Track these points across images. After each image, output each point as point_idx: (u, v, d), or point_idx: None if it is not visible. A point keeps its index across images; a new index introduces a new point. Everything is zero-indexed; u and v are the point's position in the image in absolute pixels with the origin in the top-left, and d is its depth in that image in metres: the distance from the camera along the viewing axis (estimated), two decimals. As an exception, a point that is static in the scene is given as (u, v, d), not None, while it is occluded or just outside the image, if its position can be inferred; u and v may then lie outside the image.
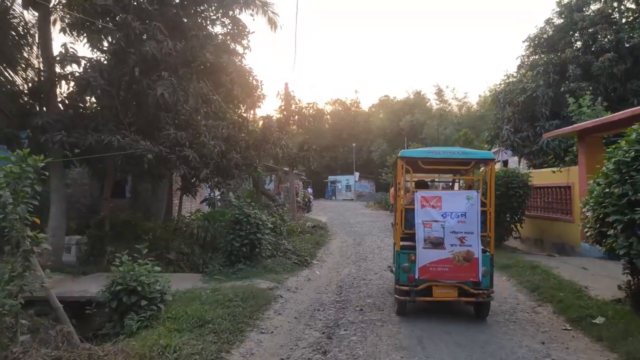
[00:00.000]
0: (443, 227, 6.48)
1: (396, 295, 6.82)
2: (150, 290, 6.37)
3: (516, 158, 20.04)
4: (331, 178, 61.67)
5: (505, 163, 23.16)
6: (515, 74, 19.02)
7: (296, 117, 13.26)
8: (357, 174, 57.30)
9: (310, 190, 58.21)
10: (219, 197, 12.47)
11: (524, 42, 18.87)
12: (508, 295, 7.84)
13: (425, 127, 58.03)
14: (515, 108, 17.45)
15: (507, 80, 18.78)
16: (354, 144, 61.51)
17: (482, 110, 60.50)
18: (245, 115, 12.30)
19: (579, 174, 11.35)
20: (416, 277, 6.48)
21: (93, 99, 10.54)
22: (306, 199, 36.35)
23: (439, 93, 67.30)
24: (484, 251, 6.62)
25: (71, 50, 9.47)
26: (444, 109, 65.80)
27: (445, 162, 7.34)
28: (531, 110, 17.07)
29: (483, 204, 6.72)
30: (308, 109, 13.16)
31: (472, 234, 6.47)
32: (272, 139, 11.64)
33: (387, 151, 54.02)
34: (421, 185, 8.14)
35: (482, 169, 7.92)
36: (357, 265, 11.38)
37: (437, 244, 6.47)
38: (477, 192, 6.75)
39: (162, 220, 14.88)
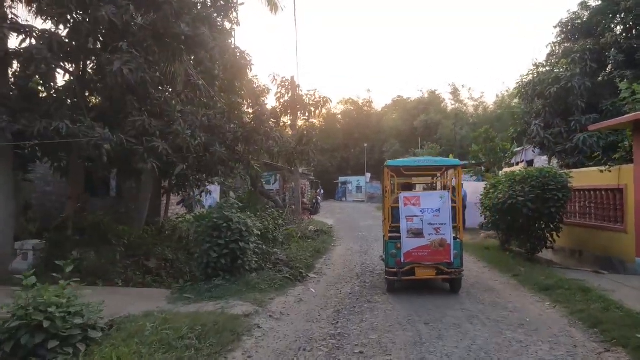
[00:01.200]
0: (422, 221, 8.12)
1: (386, 277, 8.48)
2: (65, 325, 4.57)
3: (545, 157, 17.97)
4: (342, 179, 59.76)
5: (530, 163, 21.07)
6: (544, 63, 16.97)
7: (297, 106, 11.36)
8: (368, 174, 55.32)
9: (320, 191, 56.51)
10: (198, 197, 10.66)
11: (555, 27, 16.86)
12: (558, 331, 5.89)
13: (440, 127, 55.87)
14: (546, 101, 15.43)
15: (536, 70, 16.72)
16: (365, 144, 59.61)
17: (499, 110, 58.28)
18: (239, 102, 10.50)
19: (634, 174, 9.33)
20: (402, 261, 8.09)
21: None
22: (313, 200, 34.52)
23: (455, 92, 64.97)
24: (455, 238, 8.30)
25: (11, 17, 7.77)
26: (460, 109, 63.55)
27: (421, 169, 9.73)
28: (564, 103, 15.03)
29: (453, 201, 8.49)
30: (309, 96, 11.25)
31: (445, 225, 8.12)
32: (264, 130, 9.84)
33: (400, 152, 52.00)
34: (407, 187, 10.00)
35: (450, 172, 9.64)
36: (362, 280, 9.50)
37: (418, 233, 8.13)
38: (448, 192, 8.65)
39: (146, 222, 13.25)
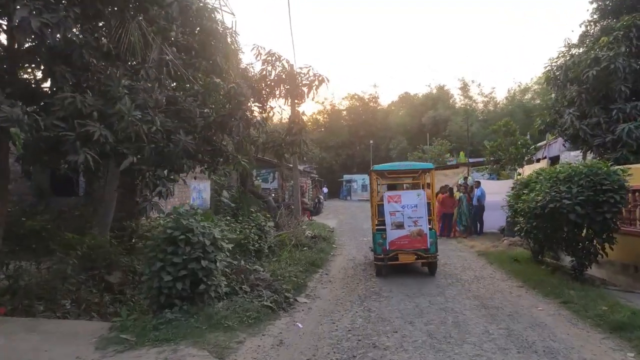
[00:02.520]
0: (403, 215, 9.80)
1: (375, 262, 10.08)
2: None
3: (575, 153, 15.74)
4: (346, 177, 57.58)
5: (554, 160, 18.81)
6: (578, 44, 14.74)
7: (286, 86, 9.21)
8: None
9: (324, 189, 54.36)
10: (156, 198, 8.54)
11: (590, 2, 14.65)
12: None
13: (449, 123, 53.64)
14: (581, 86, 13.20)
15: (568, 52, 14.49)
16: (371, 141, 57.42)
17: (510, 105, 55.95)
18: (218, 83, 8.38)
19: None
20: (387, 248, 9.71)
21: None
22: (315, 200, 32.40)
23: (464, 88, 62.67)
24: (430, 229, 9.86)
25: None
26: (470, 105, 61.27)
27: (401, 172, 11.48)
28: (605, 89, 12.81)
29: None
30: (302, 74, 9.10)
31: (421, 217, 9.81)
32: (241, 114, 7.74)
33: (407, 149, 49.90)
34: (392, 187, 11.40)
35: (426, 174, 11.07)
36: (366, 307, 7.36)
37: (400, 225, 9.80)
38: (424, 190, 10.31)
39: (117, 227, 11.27)
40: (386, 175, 11.26)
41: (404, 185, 12.08)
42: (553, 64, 14.69)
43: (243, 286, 7.24)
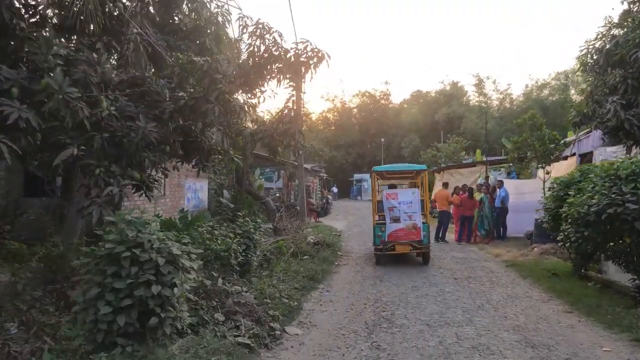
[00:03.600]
0: (399, 210, 10.82)
1: (374, 252, 11.21)
2: None
3: (613, 148, 13.87)
4: (357, 176, 55.82)
5: (585, 157, 16.91)
6: (620, 24, 12.88)
7: (278, 64, 7.55)
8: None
9: (334, 189, 52.71)
10: (103, 199, 6.88)
11: (633, -25, 12.82)
12: None
13: (463, 121, 51.70)
14: (627, 71, 11.36)
15: (609, 33, 12.64)
16: (382, 139, 55.71)
17: (528, 102, 53.79)
18: (197, 59, 6.76)
19: None
20: (386, 240, 10.75)
21: None
22: (323, 200, 30.76)
23: (479, 85, 60.54)
24: (423, 223, 10.87)
25: None
26: (485, 102, 59.20)
27: (398, 173, 13.30)
28: (655, 72, 10.97)
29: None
30: (299, 51, 7.43)
31: (415, 213, 10.82)
32: (215, 95, 6.12)
33: (420, 147, 48.00)
34: (393, 186, 12.87)
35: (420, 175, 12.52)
36: (375, 342, 5.68)
37: (397, 219, 10.82)
38: (418, 189, 11.72)
39: (86, 233, 9.78)
40: (385, 175, 12.98)
41: (404, 185, 13.96)
42: (590, 46, 12.85)
43: (216, 314, 5.62)
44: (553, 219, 9.66)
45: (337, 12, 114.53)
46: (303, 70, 7.31)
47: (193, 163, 10.75)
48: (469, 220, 15.65)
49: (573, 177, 9.32)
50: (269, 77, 7.62)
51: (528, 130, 17.06)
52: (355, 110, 67.12)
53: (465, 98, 60.99)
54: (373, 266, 10.73)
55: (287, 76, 7.50)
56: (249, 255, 7.83)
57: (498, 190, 15.96)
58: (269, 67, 7.45)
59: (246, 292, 6.59)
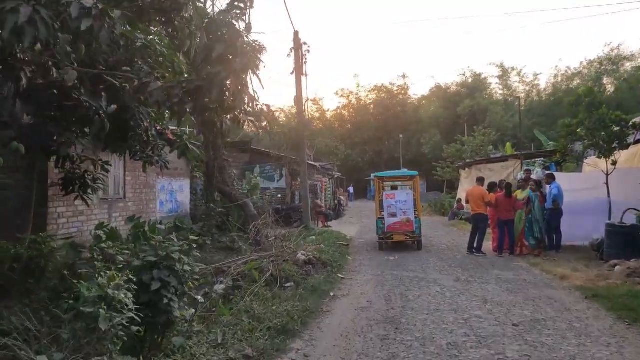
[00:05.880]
0: (396, 207, 13.19)
1: (377, 241, 13.66)
2: None
3: None
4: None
5: None
6: None
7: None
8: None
9: (350, 189, 49.37)
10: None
11: None
12: None
13: (488, 114, 47.78)
14: None
15: None
16: (401, 136, 52.05)
17: (559, 93, 49.63)
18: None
19: None
20: (385, 230, 13.13)
21: None
22: (335, 202, 27.41)
23: (503, 76, 56.40)
24: (416, 217, 13.17)
25: None
26: (510, 95, 55.10)
27: (397, 177, 17.10)
28: None
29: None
30: None
31: (409, 209, 13.13)
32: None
33: (441, 143, 44.34)
34: (394, 187, 16.25)
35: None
36: None
37: (394, 215, 13.15)
38: (412, 190, 14.39)
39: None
40: (385, 179, 16.37)
41: (407, 185, 16.01)
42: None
43: None
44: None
45: (349, 5, 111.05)
46: None
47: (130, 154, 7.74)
48: (509, 225, 12.13)
49: None
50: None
51: (584, 111, 13.43)
52: (371, 106, 63.53)
53: (489, 90, 56.98)
54: (386, 300, 7.30)
55: None
56: (170, 304, 4.55)
57: (548, 187, 12.42)
58: None
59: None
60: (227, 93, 4.15)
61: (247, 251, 10.32)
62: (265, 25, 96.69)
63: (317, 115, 64.36)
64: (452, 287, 8.07)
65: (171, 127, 8.87)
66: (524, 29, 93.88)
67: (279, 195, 21.30)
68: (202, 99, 4.28)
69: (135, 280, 4.53)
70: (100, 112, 4.85)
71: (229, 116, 4.79)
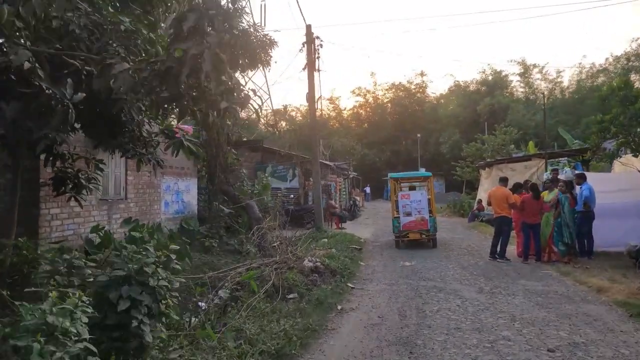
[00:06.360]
0: (411, 207, 13.69)
1: (394, 239, 14.25)
2: None
3: None
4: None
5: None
6: None
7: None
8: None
9: (367, 189, 48.47)
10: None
11: None
12: None
13: (509, 112, 46.36)
14: None
15: None
16: (419, 135, 50.88)
17: (584, 90, 47.97)
18: None
19: None
20: (401, 229, 13.74)
21: None
22: (350, 203, 26.59)
23: (525, 74, 54.77)
24: (430, 216, 13.69)
25: None
26: (533, 93, 53.51)
27: (412, 178, 18.09)
28: None
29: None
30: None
31: (424, 209, 13.63)
32: None
33: (460, 142, 43.12)
34: (412, 187, 16.28)
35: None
36: None
37: (409, 214, 13.68)
38: (426, 190, 15.02)
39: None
40: (400, 180, 17.15)
41: (423, 185, 16.71)
42: None
43: None
44: None
45: (368, 2, 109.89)
46: None
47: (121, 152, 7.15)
48: (534, 229, 11.17)
49: None
50: None
51: (618, 105, 12.38)
52: (389, 105, 62.43)
53: (509, 88, 55.43)
54: (400, 316, 6.48)
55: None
56: (140, 327, 3.83)
57: (579, 188, 11.42)
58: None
59: None
60: (202, 76, 3.43)
61: (255, 255, 9.65)
62: (284, 23, 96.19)
63: (333, 114, 63.62)
64: (474, 300, 7.21)
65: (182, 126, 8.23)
66: (548, 25, 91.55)
67: (292, 196, 20.58)
68: (175, 83, 3.56)
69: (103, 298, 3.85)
70: (66, 101, 4.16)
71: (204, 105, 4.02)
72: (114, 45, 4.65)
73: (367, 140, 56.69)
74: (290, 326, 5.33)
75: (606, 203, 11.45)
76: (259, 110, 4.64)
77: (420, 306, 6.92)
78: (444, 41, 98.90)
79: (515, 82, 55.91)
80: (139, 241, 7.09)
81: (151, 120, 7.42)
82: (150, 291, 4.08)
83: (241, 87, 4.18)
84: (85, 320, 3.32)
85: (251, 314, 5.78)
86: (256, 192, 14.90)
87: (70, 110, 4.20)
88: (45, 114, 4.31)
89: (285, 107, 56.04)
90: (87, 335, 3.21)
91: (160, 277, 4.16)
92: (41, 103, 4.13)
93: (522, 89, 55.85)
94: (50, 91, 4.13)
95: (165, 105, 4.30)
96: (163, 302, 4.22)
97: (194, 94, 3.95)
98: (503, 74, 55.49)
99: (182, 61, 3.40)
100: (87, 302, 3.56)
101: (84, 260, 4.66)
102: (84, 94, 4.31)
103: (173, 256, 4.41)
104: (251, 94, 4.21)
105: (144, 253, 4.28)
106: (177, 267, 4.42)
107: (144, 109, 6.19)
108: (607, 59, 53.34)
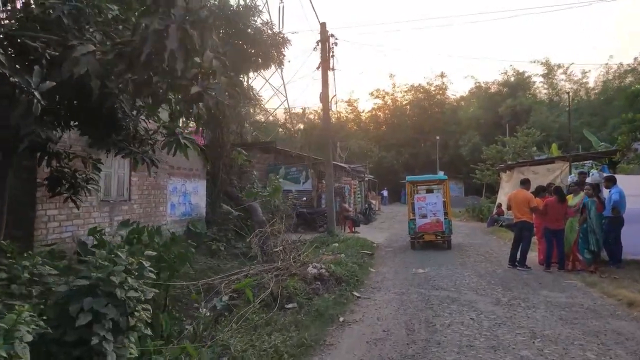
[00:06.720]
0: (427, 209, 14.06)
1: (410, 240, 14.44)
2: None
3: None
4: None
5: None
6: None
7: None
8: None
9: (384, 192, 47.73)
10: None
11: None
12: None
13: (532, 113, 45.09)
14: None
15: None
16: (438, 138, 49.95)
17: (610, 92, 46.44)
18: None
19: None
20: (417, 230, 14.02)
21: None
22: (365, 206, 25.99)
23: (548, 74, 53.30)
24: (445, 218, 14.04)
25: None
26: (556, 94, 52.05)
27: (428, 181, 18.01)
28: None
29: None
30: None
31: (439, 211, 13.99)
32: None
33: (480, 145, 42.12)
34: (429, 190, 17.02)
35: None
36: None
37: (424, 216, 14.06)
38: (442, 193, 15.81)
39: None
40: (416, 183, 17.35)
41: (440, 188, 17.54)
42: None
43: None
44: None
45: (384, 3, 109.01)
46: None
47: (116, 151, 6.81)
48: (558, 235, 10.45)
49: None
50: None
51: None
52: (407, 107, 61.53)
53: (532, 90, 54.02)
54: (407, 330, 5.91)
55: None
56: (102, 344, 3.38)
57: (607, 191, 10.66)
58: None
59: None
60: (165, 55, 2.97)
61: (256, 260, 9.20)
62: (297, 25, 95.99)
63: (351, 116, 63.02)
64: (490, 314, 6.59)
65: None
66: (572, 24, 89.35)
67: (304, 198, 20.09)
68: (142, 67, 3.11)
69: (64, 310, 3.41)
70: (31, 89, 3.75)
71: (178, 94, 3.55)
72: (91, 30, 4.24)
73: (385, 142, 55.96)
74: (282, 341, 4.82)
75: (636, 207, 10.64)
76: (236, 100, 4.16)
77: (430, 319, 6.34)
78: (464, 41, 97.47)
79: (538, 83, 54.47)
80: (136, 245, 6.72)
81: (149, 117, 7.05)
82: (117, 303, 3.63)
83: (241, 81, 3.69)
84: (29, 338, 2.87)
85: (243, 326, 5.30)
86: (265, 194, 14.50)
87: (35, 101, 3.80)
88: (9, 105, 3.92)
89: (303, 109, 55.67)
90: (27, 357, 2.76)
91: (130, 287, 3.71)
92: (4, 92, 3.74)
93: (545, 90, 54.39)
94: (15, 79, 3.74)
95: (138, 93, 3.84)
96: (134, 315, 3.77)
97: (168, 81, 3.49)
98: (526, 74, 54.17)
99: (144, 38, 2.94)
100: (42, 315, 3.12)
101: (48, 267, 4.24)
102: (54, 83, 3.91)
103: (147, 263, 3.95)
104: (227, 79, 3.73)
105: (115, 259, 3.83)
106: (151, 275, 3.95)
107: (141, 104, 5.80)
108: (635, 58, 51.48)
